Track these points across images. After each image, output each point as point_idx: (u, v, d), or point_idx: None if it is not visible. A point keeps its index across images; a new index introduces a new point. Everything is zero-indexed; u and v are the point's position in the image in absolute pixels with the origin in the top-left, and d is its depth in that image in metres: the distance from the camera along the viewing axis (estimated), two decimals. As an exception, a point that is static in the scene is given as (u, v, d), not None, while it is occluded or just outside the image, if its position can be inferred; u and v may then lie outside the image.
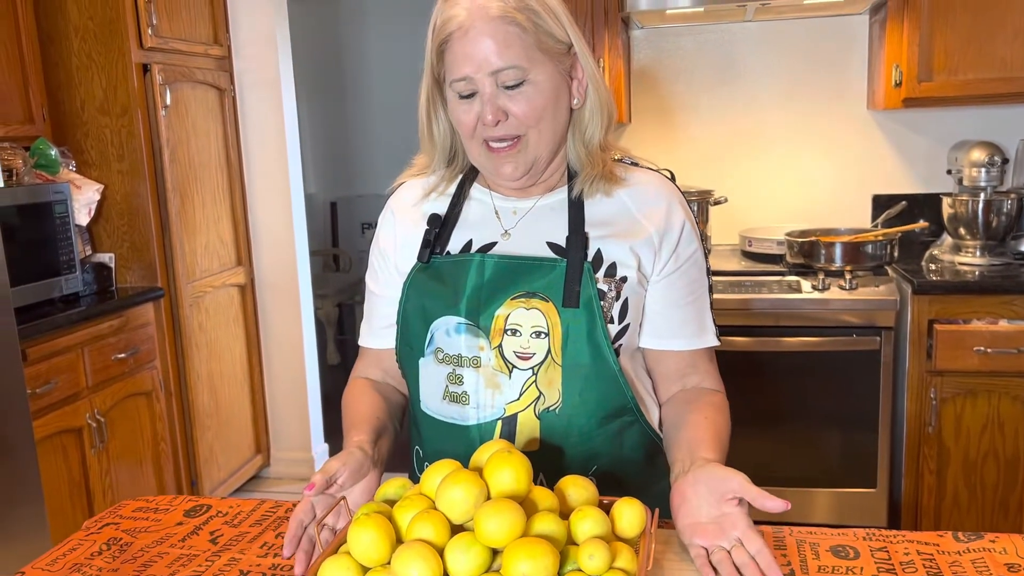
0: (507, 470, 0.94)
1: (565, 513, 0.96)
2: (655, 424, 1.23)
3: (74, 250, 2.79)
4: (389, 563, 0.89)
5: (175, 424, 3.16)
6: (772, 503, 0.95)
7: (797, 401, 2.71)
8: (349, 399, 1.27)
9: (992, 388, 2.53)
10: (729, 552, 0.96)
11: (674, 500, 1.04)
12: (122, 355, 2.84)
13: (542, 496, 0.96)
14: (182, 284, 3.14)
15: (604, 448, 1.17)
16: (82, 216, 2.90)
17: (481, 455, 1.00)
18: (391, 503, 1.00)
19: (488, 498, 0.93)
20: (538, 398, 1.13)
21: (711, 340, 1.22)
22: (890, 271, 2.74)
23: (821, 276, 2.63)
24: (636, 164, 1.23)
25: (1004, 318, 2.51)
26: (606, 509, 0.96)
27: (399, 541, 0.92)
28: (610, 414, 1.16)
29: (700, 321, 1.21)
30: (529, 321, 1.12)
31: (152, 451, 3.05)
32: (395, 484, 1.06)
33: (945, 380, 2.55)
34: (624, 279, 1.15)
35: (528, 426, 1.14)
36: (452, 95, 1.12)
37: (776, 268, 2.79)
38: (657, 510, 0.97)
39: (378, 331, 1.29)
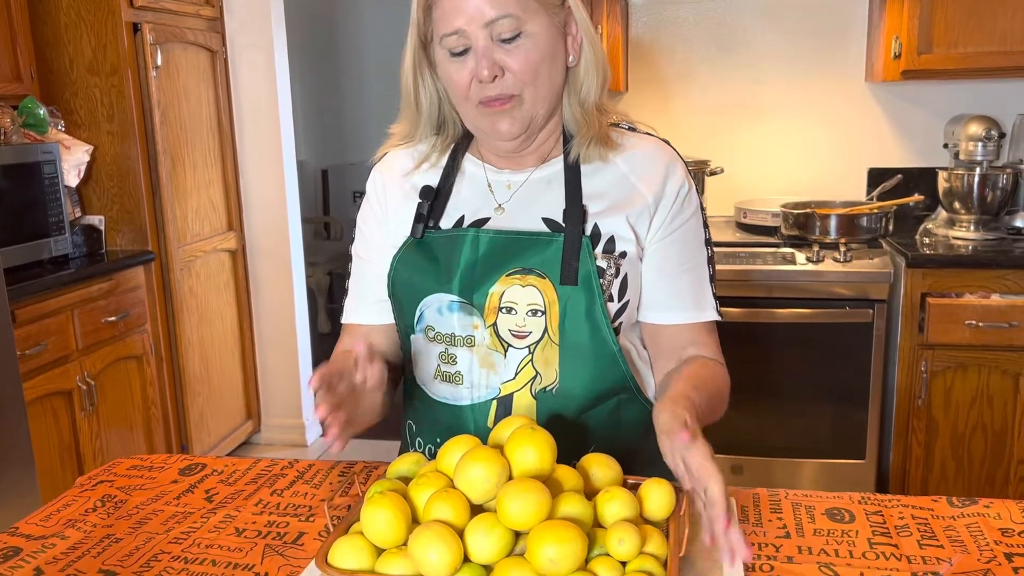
0: (530, 448, 0.90)
1: (589, 493, 0.92)
2: (653, 400, 1.20)
3: (63, 212, 2.76)
4: (405, 544, 0.86)
5: (165, 389, 3.15)
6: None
7: (789, 372, 2.72)
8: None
9: (982, 362, 2.54)
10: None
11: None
12: (112, 318, 2.82)
13: (567, 476, 0.93)
14: (173, 248, 3.11)
15: (601, 425, 1.15)
16: (71, 177, 2.86)
17: (502, 431, 0.97)
18: (405, 480, 0.96)
19: (510, 477, 0.90)
20: (534, 378, 1.11)
21: (710, 314, 1.16)
22: (884, 244, 2.74)
23: (815, 248, 2.63)
24: (633, 129, 1.19)
25: (996, 292, 2.51)
26: (632, 489, 0.93)
27: (415, 521, 0.89)
28: (607, 392, 1.14)
29: (698, 293, 1.16)
30: (525, 299, 1.09)
31: (143, 415, 3.04)
32: (409, 460, 1.03)
33: (936, 353, 2.56)
34: (623, 254, 1.11)
35: (524, 406, 1.12)
36: (442, 54, 1.07)
37: (771, 240, 2.79)
38: (687, 492, 0.94)
39: (369, 306, 1.22)
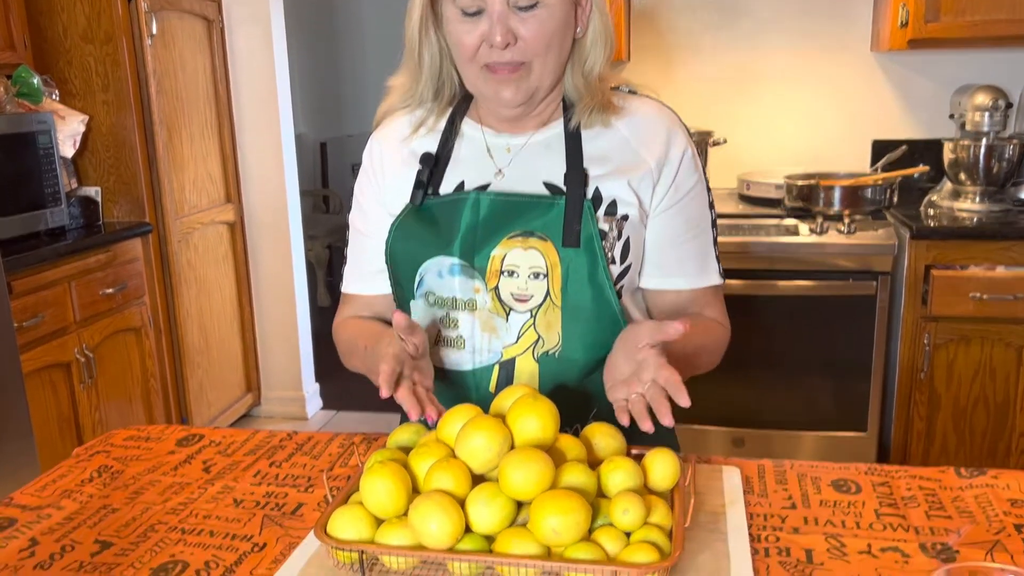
0: (533, 417, 0.89)
1: (592, 463, 0.91)
2: None
3: (59, 182, 2.73)
4: (405, 515, 0.84)
5: (164, 361, 3.14)
6: (672, 328, 0.91)
7: (791, 345, 2.70)
8: (353, 328, 1.20)
9: (986, 335, 2.53)
10: (644, 394, 0.93)
11: (604, 375, 1.02)
12: (110, 290, 2.80)
13: (570, 445, 0.91)
14: (170, 220, 3.09)
15: (604, 391, 1.14)
16: (67, 148, 2.83)
17: (504, 400, 0.95)
18: (405, 450, 0.95)
19: (512, 447, 0.88)
20: (537, 341, 1.10)
21: (714, 279, 1.17)
22: (888, 216, 2.71)
23: (819, 220, 2.60)
24: (634, 92, 1.17)
25: (1001, 264, 2.49)
26: (636, 460, 0.92)
27: (415, 492, 0.87)
28: None
29: (702, 259, 1.16)
30: (527, 262, 1.08)
31: (142, 387, 3.03)
32: (409, 429, 1.01)
33: (939, 326, 2.55)
34: (625, 217, 1.10)
35: (526, 370, 1.11)
36: (453, 12, 1.04)
37: (773, 212, 2.76)
38: (694, 462, 0.93)
39: (369, 276, 1.21)
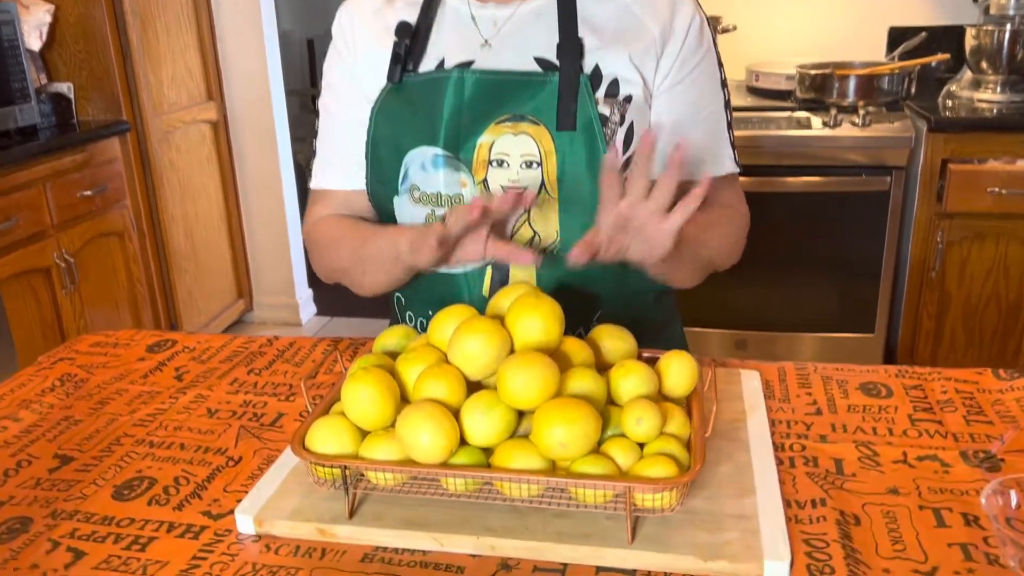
0: (535, 318, 0.78)
1: (600, 368, 0.81)
2: None
3: (27, 78, 2.56)
4: (392, 426, 0.75)
5: (151, 266, 3.04)
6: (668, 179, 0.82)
7: (799, 245, 2.60)
8: (338, 227, 1.07)
9: (1001, 231, 2.43)
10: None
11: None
12: (88, 192, 2.68)
13: (576, 349, 0.81)
14: (149, 118, 2.93)
15: (608, 290, 1.04)
16: (33, 40, 2.66)
17: (502, 300, 0.85)
18: (393, 356, 0.85)
19: (512, 351, 0.78)
20: (532, 238, 0.99)
21: (729, 166, 1.06)
22: (905, 108, 2.57)
23: (833, 112, 2.46)
24: None
25: (1022, 158, 2.37)
26: (648, 364, 0.82)
27: (404, 401, 0.78)
28: None
29: (715, 143, 1.05)
30: (518, 149, 0.96)
31: (128, 293, 2.93)
32: (397, 333, 0.91)
33: (954, 223, 2.45)
34: (628, 99, 0.98)
35: (523, 272, 1.01)
36: None
37: (784, 104, 2.61)
38: (714, 365, 0.83)
39: (345, 167, 1.07)
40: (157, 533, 0.76)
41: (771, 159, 2.50)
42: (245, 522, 0.76)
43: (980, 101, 2.57)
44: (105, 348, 1.14)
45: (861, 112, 2.45)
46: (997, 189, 2.36)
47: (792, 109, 2.56)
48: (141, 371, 1.08)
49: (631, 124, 0.99)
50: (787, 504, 0.76)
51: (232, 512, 0.78)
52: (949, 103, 2.58)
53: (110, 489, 0.83)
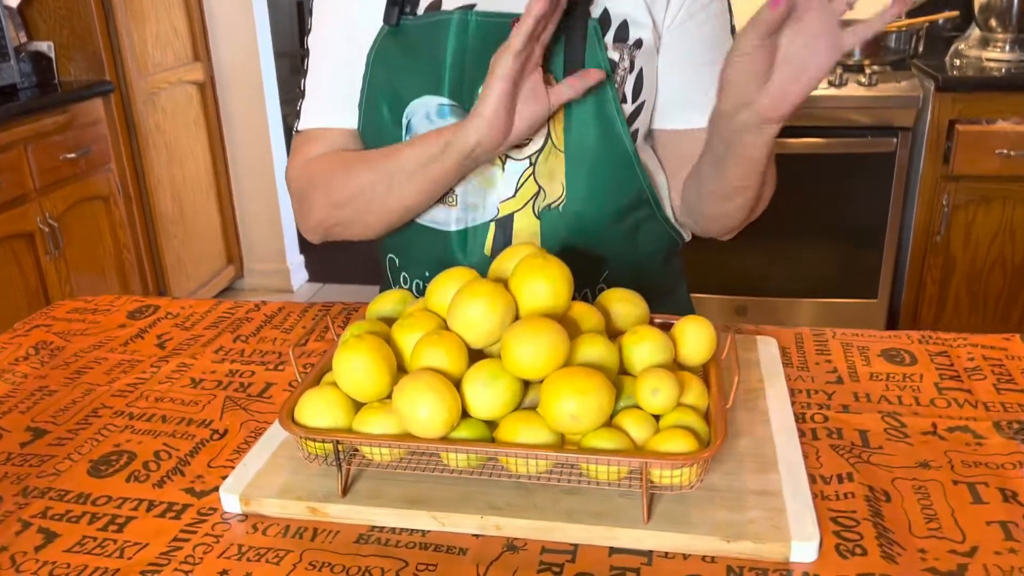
0: (542, 281, 0.72)
1: (611, 335, 0.75)
2: (673, 219, 1.04)
3: (5, 36, 2.47)
4: (388, 398, 0.70)
5: (138, 231, 2.96)
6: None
7: (801, 209, 2.54)
8: (346, 157, 0.96)
9: (1008, 194, 2.38)
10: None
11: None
12: (71, 155, 2.59)
13: (585, 314, 0.75)
14: (133, 78, 2.84)
15: (617, 250, 0.98)
16: (10, -4, 2.56)
17: (505, 262, 0.78)
18: (389, 322, 0.78)
19: (517, 316, 0.73)
20: (537, 194, 0.94)
21: None
22: (912, 67, 2.50)
23: (838, 71, 2.39)
24: None
25: (1032, 118, 2.31)
26: (664, 330, 0.76)
27: (401, 371, 0.73)
28: (624, 208, 0.97)
29: None
30: None
31: (115, 259, 2.86)
32: (392, 297, 0.84)
33: (960, 186, 2.39)
34: (638, 44, 0.92)
35: (527, 229, 0.95)
36: None
37: (787, 63, 2.54)
38: (732, 331, 0.77)
39: (338, 105, 0.98)
40: (136, 512, 0.71)
41: (774, 120, 2.43)
42: (230, 500, 0.71)
43: (989, 60, 2.50)
44: (84, 314, 1.08)
45: (867, 71, 2.38)
46: (1005, 151, 2.30)
47: (796, 68, 2.49)
48: (121, 338, 1.02)
49: (640, 71, 0.93)
50: (811, 479, 0.71)
51: (216, 489, 0.72)
52: (957, 62, 2.51)
53: (86, 464, 0.77)
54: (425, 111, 0.93)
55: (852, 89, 2.38)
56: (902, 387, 0.85)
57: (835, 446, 0.76)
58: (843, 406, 0.83)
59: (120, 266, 2.89)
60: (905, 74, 2.43)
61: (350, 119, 0.99)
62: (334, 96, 0.99)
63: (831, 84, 2.38)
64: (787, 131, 2.63)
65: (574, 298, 0.76)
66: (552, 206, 0.94)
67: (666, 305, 0.95)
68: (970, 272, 2.50)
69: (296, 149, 1.01)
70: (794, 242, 2.58)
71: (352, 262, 3.32)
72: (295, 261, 3.59)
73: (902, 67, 2.48)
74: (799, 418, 0.80)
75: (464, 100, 0.91)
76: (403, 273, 1.05)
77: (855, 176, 2.47)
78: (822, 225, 2.55)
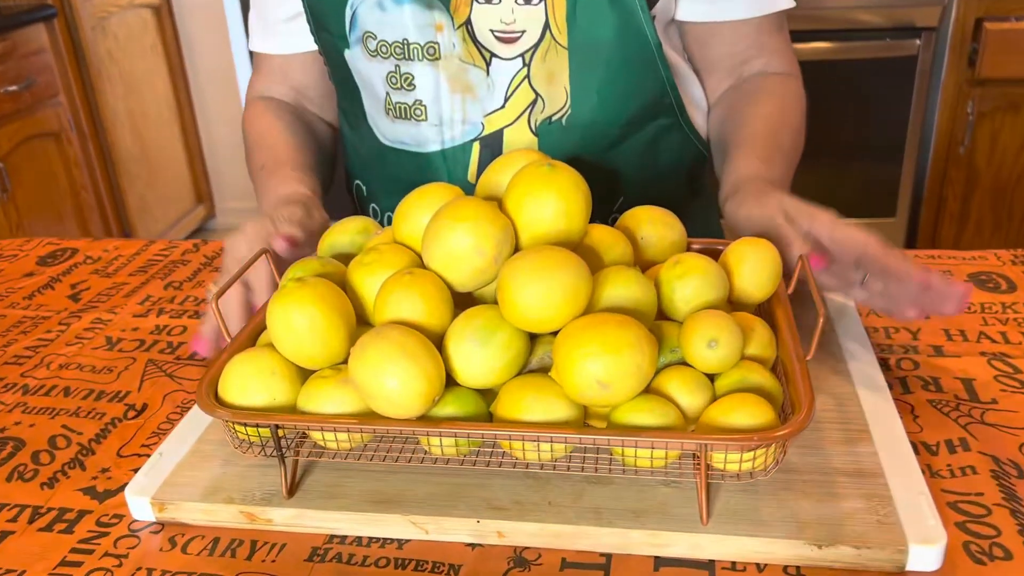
0: (550, 197, 0.53)
1: (642, 267, 0.57)
2: (700, 128, 0.85)
3: (-73, -47, 2.21)
4: (345, 363, 0.51)
5: (96, 171, 2.75)
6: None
7: (813, 121, 2.32)
8: (259, 126, 0.89)
9: (1038, 99, 2.19)
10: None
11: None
12: (13, 88, 2.36)
13: (608, 240, 0.56)
14: (78, 2, 2.59)
15: (633, 166, 0.81)
16: (-69, -92, 2.29)
17: (498, 174, 0.59)
18: (345, 260, 0.59)
19: (517, 248, 0.53)
20: (534, 102, 0.76)
21: (782, 1, 0.82)
22: (935, -40, 2.28)
23: (853, -35, 2.17)
24: None
25: (1067, 13, 2.11)
26: (712, 257, 0.56)
27: (362, 325, 0.54)
28: (643, 114, 0.79)
29: None
30: None
31: (72, 201, 2.65)
32: (349, 227, 0.64)
33: (986, 91, 2.22)
34: None
35: (522, 144, 0.77)
36: None
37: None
38: (806, 255, 0.57)
39: (278, 24, 0.85)
40: (13, 525, 0.53)
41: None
42: (140, 504, 0.53)
43: (1018, -50, 2.28)
44: (-17, 262, 0.89)
45: (886, -35, 2.16)
46: (1038, 51, 2.11)
47: (808, -36, 2.27)
48: (27, 290, 0.83)
49: None
50: (912, 449, 0.54)
51: (124, 488, 0.54)
52: (983, -47, 2.30)
53: (-43, 458, 0.59)
54: None
55: (869, -14, 2.16)
56: (1004, 320, 0.68)
57: (934, 401, 0.59)
58: (935, 347, 0.65)
59: (78, 208, 2.68)
60: (927, -33, 2.21)
61: (295, 41, 0.86)
62: (274, 14, 0.85)
63: (847, -19, 2.16)
64: (796, 36, 2.37)
65: (591, 221, 0.57)
66: (553, 118, 0.75)
67: (690, 225, 0.77)
68: (994, 186, 2.34)
69: (252, 73, 0.95)
70: (807, 158, 2.37)
71: (332, 198, 3.11)
72: (270, 198, 3.38)
73: (923, -40, 2.26)
74: (884, 366, 0.63)
75: None
76: (372, 204, 0.87)
77: (872, 84, 2.28)
78: (837, 139, 2.37)
